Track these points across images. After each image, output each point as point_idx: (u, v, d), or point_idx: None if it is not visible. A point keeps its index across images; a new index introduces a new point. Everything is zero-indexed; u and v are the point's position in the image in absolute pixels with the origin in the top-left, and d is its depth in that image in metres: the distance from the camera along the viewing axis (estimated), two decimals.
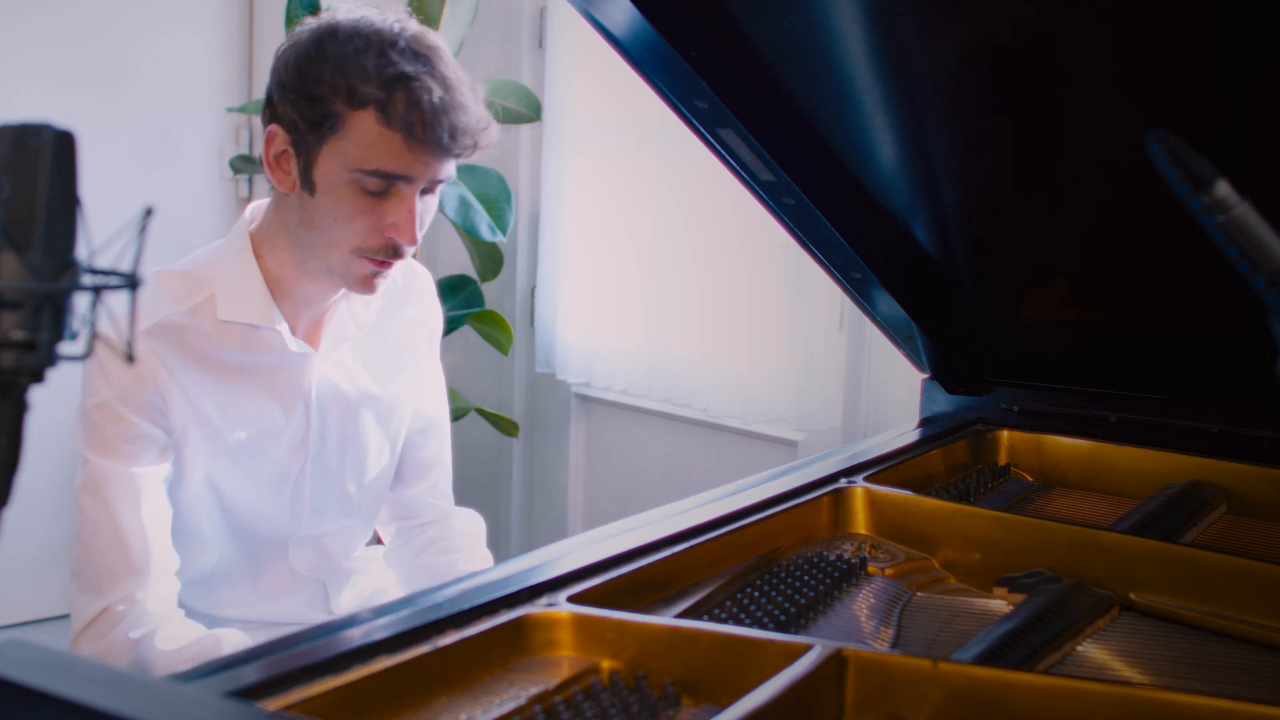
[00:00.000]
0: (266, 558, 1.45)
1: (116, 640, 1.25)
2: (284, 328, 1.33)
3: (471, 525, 1.59)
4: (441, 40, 1.28)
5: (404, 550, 1.59)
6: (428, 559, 1.55)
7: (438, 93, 1.22)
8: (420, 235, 1.27)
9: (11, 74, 2.99)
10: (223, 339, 1.32)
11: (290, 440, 1.38)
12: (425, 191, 1.28)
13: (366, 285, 1.30)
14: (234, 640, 1.29)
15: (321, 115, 1.22)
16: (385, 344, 1.46)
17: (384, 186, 1.24)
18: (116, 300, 0.61)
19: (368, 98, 1.20)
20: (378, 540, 1.68)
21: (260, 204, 1.38)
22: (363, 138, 1.22)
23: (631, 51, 1.24)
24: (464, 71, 1.28)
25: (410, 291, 1.50)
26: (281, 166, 1.27)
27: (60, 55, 3.07)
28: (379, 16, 1.26)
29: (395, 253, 1.28)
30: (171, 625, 1.27)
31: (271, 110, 1.27)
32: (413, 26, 1.26)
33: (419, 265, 1.53)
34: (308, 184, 1.26)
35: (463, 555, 1.54)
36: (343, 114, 1.21)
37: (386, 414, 1.47)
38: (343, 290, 1.36)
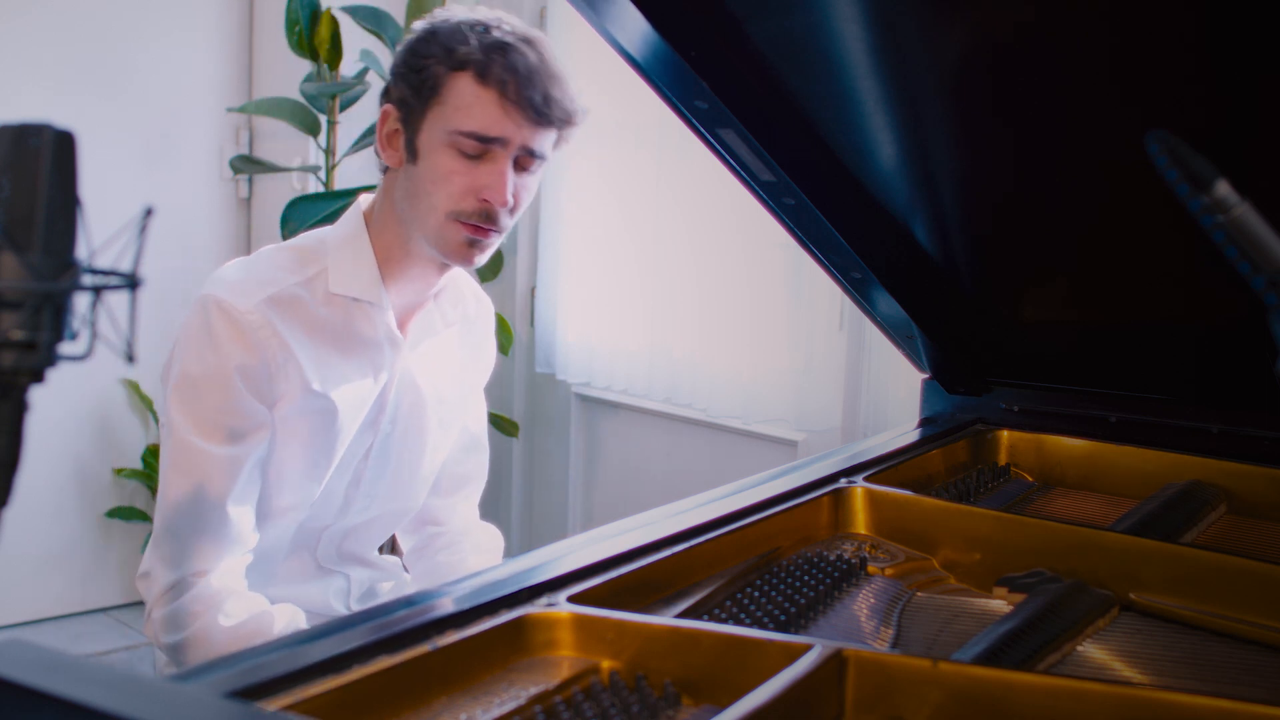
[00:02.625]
0: (298, 545, 1.47)
1: (183, 609, 1.29)
2: (388, 305, 1.38)
3: (492, 539, 1.63)
4: (543, 35, 1.35)
5: (422, 552, 1.62)
6: (444, 558, 1.58)
7: (534, 60, 1.28)
8: (513, 202, 1.31)
9: (11, 74, 2.99)
10: (329, 312, 1.36)
11: (369, 419, 1.42)
12: (522, 169, 1.32)
13: (464, 254, 1.33)
14: (287, 617, 1.32)
15: (424, 82, 1.29)
16: (455, 356, 1.52)
17: (480, 149, 1.29)
18: (116, 303, 0.61)
19: (467, 59, 1.27)
20: (393, 549, 1.69)
21: (371, 196, 1.43)
22: (460, 99, 1.28)
23: (631, 52, 1.24)
24: (561, 64, 1.33)
25: (481, 320, 1.57)
26: (392, 144, 1.34)
27: (60, 55, 3.07)
28: (488, 13, 1.33)
29: (489, 218, 1.31)
30: (234, 601, 1.30)
31: (386, 95, 1.35)
32: (516, 21, 1.34)
33: (488, 300, 1.60)
34: (412, 153, 1.32)
35: (475, 558, 1.57)
36: (442, 77, 1.28)
37: (446, 419, 1.52)
38: (440, 282, 1.42)
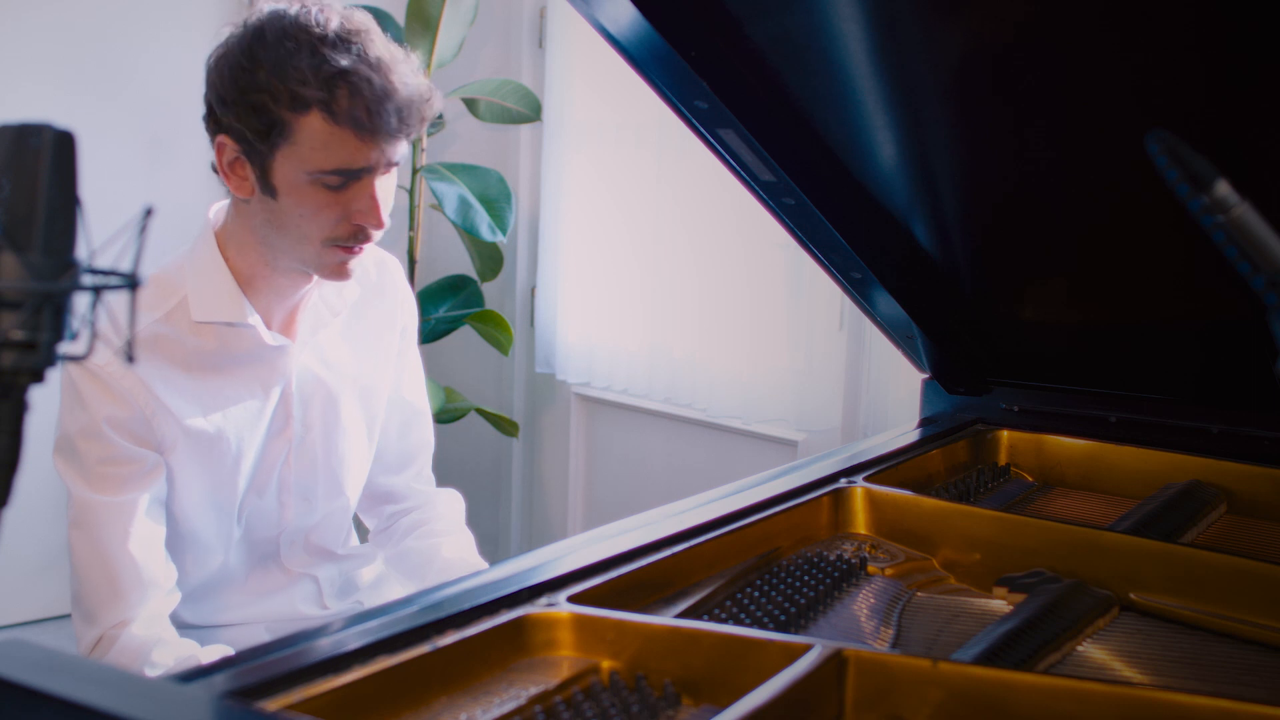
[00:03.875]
0: (261, 556, 1.46)
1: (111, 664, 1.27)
2: (257, 321, 1.35)
3: (452, 506, 1.62)
4: (365, 17, 1.29)
5: (388, 535, 1.62)
6: (412, 543, 1.57)
7: (377, 81, 1.23)
8: (386, 217, 1.30)
9: (11, 74, 2.99)
10: (199, 341, 1.33)
11: (273, 430, 1.40)
12: (382, 175, 1.29)
13: (339, 272, 1.33)
14: (215, 657, 1.29)
15: (269, 124, 1.23)
16: (362, 331, 1.49)
17: (343, 181, 1.26)
18: (116, 303, 0.61)
19: (311, 100, 1.22)
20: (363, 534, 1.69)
21: (221, 205, 1.39)
22: (315, 140, 1.23)
23: (631, 51, 1.24)
24: (394, 46, 1.29)
25: (384, 282, 1.52)
26: (237, 173, 1.29)
27: (60, 55, 3.07)
28: (300, 9, 1.26)
29: (364, 237, 1.30)
30: (159, 650, 1.29)
31: (215, 121, 1.28)
32: (334, 12, 1.27)
33: (389, 256, 1.55)
34: (268, 189, 1.27)
35: (446, 540, 1.56)
36: (290, 120, 1.23)
37: (366, 398, 1.49)
38: (314, 280, 1.38)
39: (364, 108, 1.22)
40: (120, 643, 1.28)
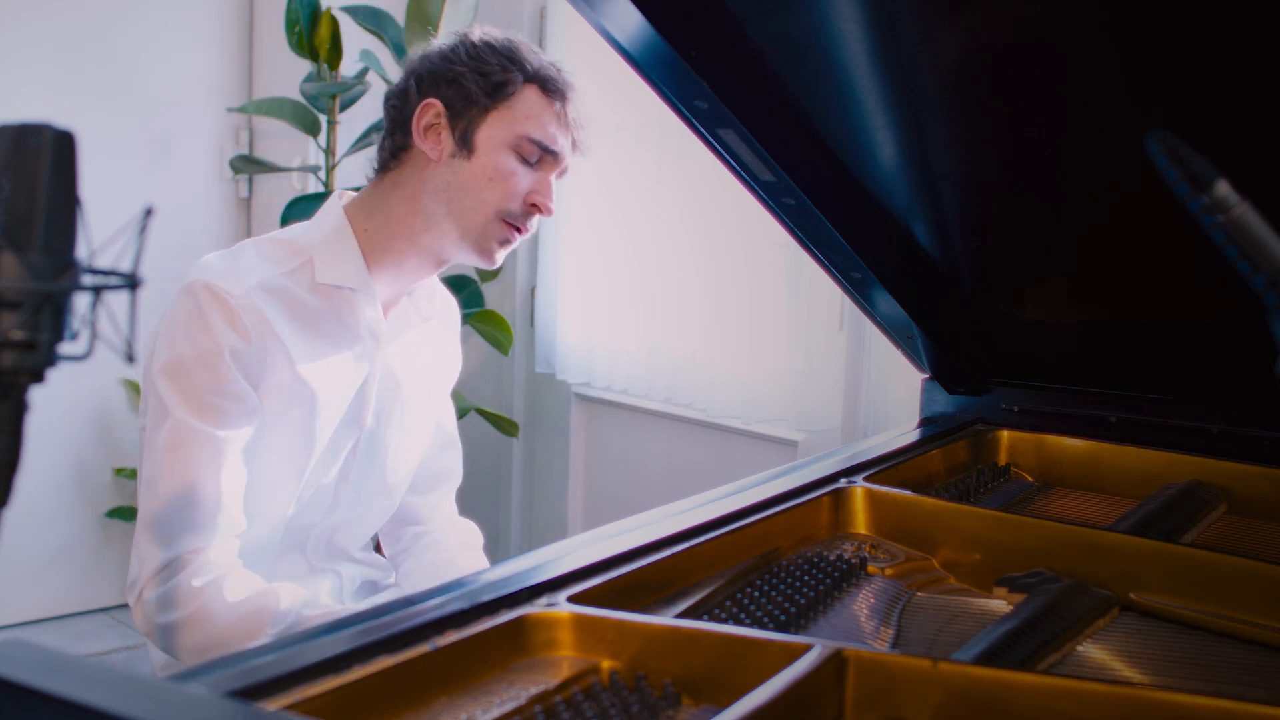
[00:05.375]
0: (289, 544, 1.47)
1: (180, 586, 1.28)
2: (375, 294, 1.42)
3: (471, 535, 1.64)
4: None
5: (407, 553, 1.63)
6: (430, 556, 1.59)
7: (576, 86, 1.43)
8: (553, 208, 1.42)
9: (11, 74, 2.99)
10: (314, 303, 1.38)
11: (350, 415, 1.43)
12: (558, 175, 1.43)
13: (493, 252, 1.42)
14: (291, 594, 1.32)
15: (495, 84, 1.37)
16: (429, 353, 1.55)
17: (538, 156, 1.39)
18: (118, 302, 0.61)
19: (539, 73, 1.39)
20: (378, 551, 1.70)
21: (347, 191, 1.47)
22: (530, 108, 1.38)
23: (631, 52, 1.24)
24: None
25: (448, 320, 1.61)
26: (430, 137, 1.39)
27: (60, 55, 3.07)
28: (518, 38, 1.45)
29: (528, 223, 1.41)
30: (235, 577, 1.30)
31: (423, 88, 1.40)
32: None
33: (455, 303, 1.64)
34: (466, 147, 1.38)
35: (463, 554, 1.58)
36: (516, 83, 1.38)
37: (423, 413, 1.55)
38: (423, 282, 1.48)
39: (568, 97, 1.41)
40: (194, 565, 1.29)
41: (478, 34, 1.42)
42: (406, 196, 1.40)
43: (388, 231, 1.41)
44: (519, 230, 1.41)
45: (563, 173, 1.43)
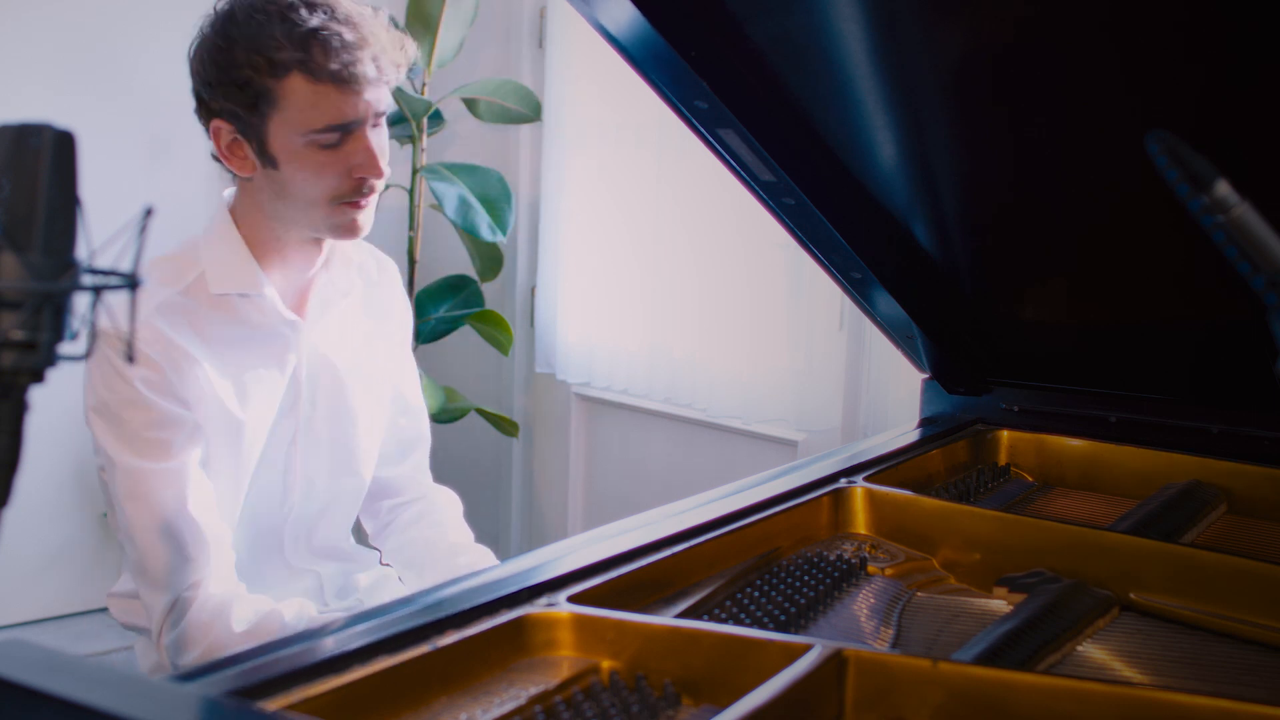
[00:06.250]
0: (265, 549, 1.47)
1: (190, 626, 1.29)
2: (272, 292, 1.39)
3: (451, 502, 1.64)
4: None
5: (390, 529, 1.63)
6: (416, 533, 1.59)
7: (349, 33, 1.29)
8: (385, 166, 1.34)
9: (11, 74, 2.99)
10: (217, 315, 1.37)
11: (284, 408, 1.42)
12: (374, 128, 1.34)
13: (352, 230, 1.37)
14: (294, 609, 1.32)
15: (255, 96, 1.28)
16: (364, 319, 1.53)
17: (338, 137, 1.31)
18: (116, 298, 0.61)
19: (288, 63, 1.27)
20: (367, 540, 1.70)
21: (233, 190, 1.43)
22: (301, 101, 1.28)
23: (631, 51, 1.24)
24: (362, 5, 1.34)
25: (384, 281, 1.57)
26: (236, 154, 1.34)
27: (60, 55, 3.07)
28: None
29: (368, 189, 1.35)
30: (238, 605, 1.30)
31: (205, 109, 1.34)
32: None
33: (389, 260, 1.61)
34: (268, 161, 1.32)
35: (450, 528, 1.58)
36: (273, 87, 1.28)
37: (370, 384, 1.52)
38: (323, 254, 1.43)
39: (340, 60, 1.27)
40: (198, 602, 1.29)
41: (214, 28, 1.30)
42: (256, 202, 1.37)
43: (260, 229, 1.38)
44: (358, 205, 1.35)
45: (379, 117, 1.33)
